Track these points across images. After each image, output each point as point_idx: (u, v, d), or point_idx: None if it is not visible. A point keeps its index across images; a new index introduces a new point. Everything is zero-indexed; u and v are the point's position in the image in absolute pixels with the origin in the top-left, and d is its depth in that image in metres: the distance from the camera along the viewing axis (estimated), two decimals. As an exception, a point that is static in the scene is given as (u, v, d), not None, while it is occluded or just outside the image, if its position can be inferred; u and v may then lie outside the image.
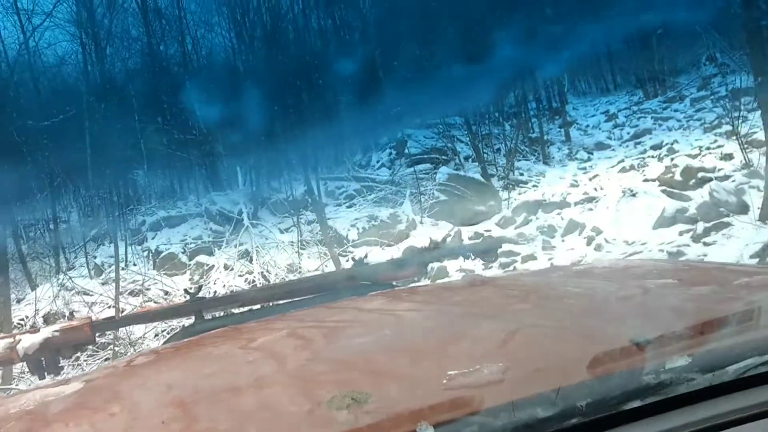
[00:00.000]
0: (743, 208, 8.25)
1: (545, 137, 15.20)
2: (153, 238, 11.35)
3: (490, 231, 10.52)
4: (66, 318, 8.55)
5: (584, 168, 13.72)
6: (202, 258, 10.48)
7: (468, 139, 14.57)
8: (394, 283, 2.34)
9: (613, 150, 14.75)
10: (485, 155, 13.72)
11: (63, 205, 13.81)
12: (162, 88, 14.56)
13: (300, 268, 10.11)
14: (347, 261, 10.24)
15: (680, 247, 7.72)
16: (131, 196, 13.72)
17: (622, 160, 13.39)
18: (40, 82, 14.05)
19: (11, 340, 1.85)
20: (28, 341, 1.84)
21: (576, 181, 12.58)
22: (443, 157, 13.61)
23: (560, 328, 1.23)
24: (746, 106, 14.53)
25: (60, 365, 1.94)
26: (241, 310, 2.30)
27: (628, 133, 15.66)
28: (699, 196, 9.10)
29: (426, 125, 14.83)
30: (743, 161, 10.09)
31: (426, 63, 15.67)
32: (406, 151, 14.02)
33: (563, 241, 9.57)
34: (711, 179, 9.44)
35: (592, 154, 14.71)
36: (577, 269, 2.18)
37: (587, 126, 17.46)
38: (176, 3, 15.67)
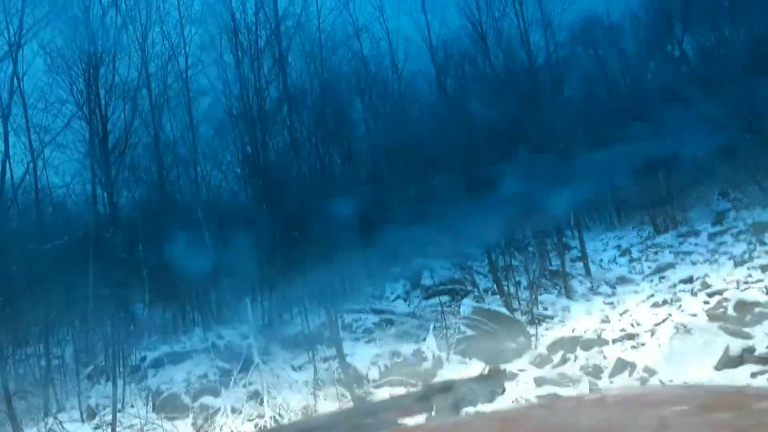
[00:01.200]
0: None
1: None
2: (154, 376, 10.12)
3: (525, 370, 9.40)
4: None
5: (611, 303, 12.73)
6: (206, 399, 9.22)
7: (486, 270, 13.70)
8: (399, 421, 2.18)
9: (637, 284, 13.83)
10: (505, 288, 12.79)
11: (57, 339, 12.59)
12: (170, 220, 13.81)
13: (316, 410, 8.87)
14: (369, 401, 9.03)
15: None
16: (132, 329, 12.58)
17: (652, 295, 12.43)
18: (43, 205, 13.25)
19: None
20: None
21: (606, 317, 11.56)
22: (461, 287, 12.65)
23: None
24: (773, 239, 13.87)
25: None
26: None
27: (649, 267, 14.81)
28: (762, 332, 8.10)
29: (441, 255, 13.97)
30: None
31: (433, 196, 15.07)
32: (422, 282, 13.07)
33: (611, 382, 8.44)
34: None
35: (615, 288, 13.77)
36: (589, 399, 2.08)
37: (601, 260, 16.63)
38: (190, 140, 15.24)
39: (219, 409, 8.97)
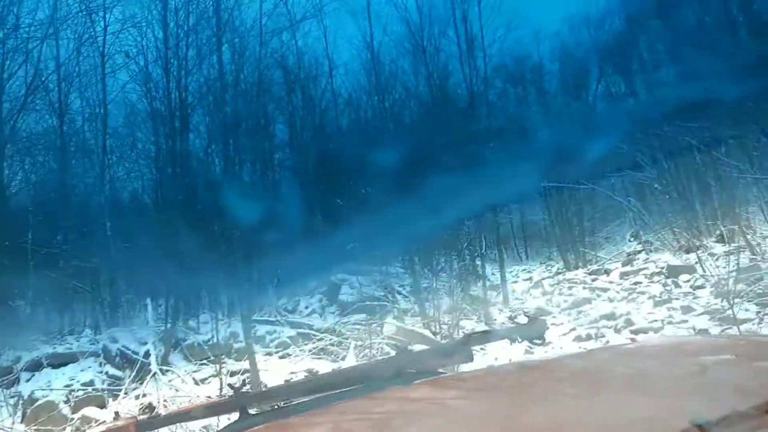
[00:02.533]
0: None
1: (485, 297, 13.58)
2: (28, 381, 8.44)
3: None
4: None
5: (531, 333, 12.04)
6: (90, 411, 7.64)
7: (407, 290, 12.78)
8: (440, 369, 2.10)
9: (554, 317, 13.24)
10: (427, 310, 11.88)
11: None
12: (66, 208, 12.10)
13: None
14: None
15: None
16: (9, 326, 10.73)
17: (574, 329, 11.83)
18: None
19: None
20: None
21: (530, 348, 10.83)
22: (381, 305, 11.61)
23: (615, 411, 1.12)
24: (686, 283, 13.64)
25: None
26: (285, 404, 1.96)
27: (565, 301, 14.29)
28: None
29: (361, 272, 12.92)
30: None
31: (354, 208, 14.05)
32: (340, 298, 11.97)
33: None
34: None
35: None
36: (627, 349, 2.01)
37: (513, 291, 16.07)
38: (99, 122, 13.58)
39: (104, 422, 7.45)
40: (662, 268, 14.97)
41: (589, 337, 10.98)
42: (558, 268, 19.04)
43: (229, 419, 2.25)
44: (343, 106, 18.04)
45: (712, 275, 13.03)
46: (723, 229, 15.43)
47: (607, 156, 17.09)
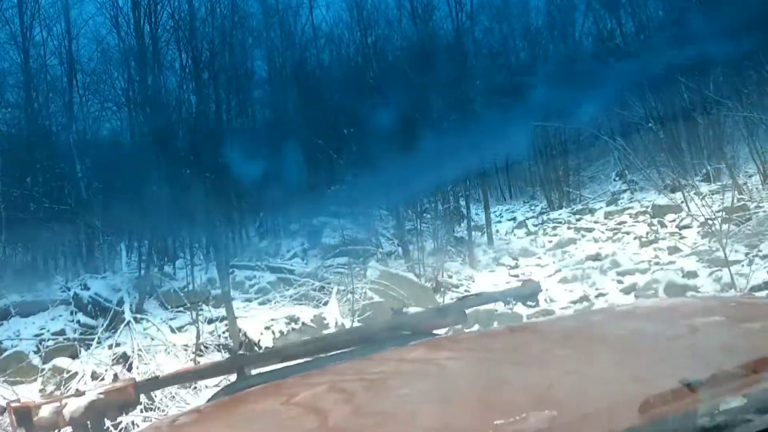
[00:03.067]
0: None
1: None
2: (-5, 330, 8.01)
3: (435, 344, 8.11)
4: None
5: (516, 275, 11.72)
6: (61, 361, 7.23)
7: (391, 233, 12.38)
8: (434, 331, 2.09)
9: (539, 258, 12.95)
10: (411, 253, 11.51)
11: None
12: (35, 148, 11.41)
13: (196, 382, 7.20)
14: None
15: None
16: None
17: (559, 270, 11.53)
18: None
19: (57, 404, 1.70)
20: (74, 405, 1.69)
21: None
22: (364, 249, 11.21)
23: (606, 371, 1.14)
24: (672, 222, 13.34)
25: (105, 428, 1.81)
26: (283, 365, 1.97)
27: (549, 242, 13.97)
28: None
29: (344, 214, 12.45)
30: (718, 280, 8.33)
31: (337, 151, 13.46)
32: (322, 241, 11.55)
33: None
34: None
35: (518, 260, 12.81)
36: (620, 310, 1.94)
37: (497, 231, 15.72)
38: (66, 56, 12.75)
39: (76, 373, 7.07)
40: (647, 207, 14.66)
41: (574, 279, 10.68)
42: (542, 208, 18.69)
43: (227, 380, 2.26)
44: (324, 42, 17.24)
45: (698, 215, 12.74)
46: (709, 167, 15.09)
47: (594, 94, 16.56)
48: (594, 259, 11.67)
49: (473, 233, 14.11)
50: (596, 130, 17.44)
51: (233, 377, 1.98)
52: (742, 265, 8.47)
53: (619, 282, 9.91)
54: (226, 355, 8.05)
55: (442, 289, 10.24)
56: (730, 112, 13.76)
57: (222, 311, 8.23)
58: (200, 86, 13.45)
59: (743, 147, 14.70)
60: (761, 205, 10.29)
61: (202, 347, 7.67)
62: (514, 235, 15.45)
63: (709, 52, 13.09)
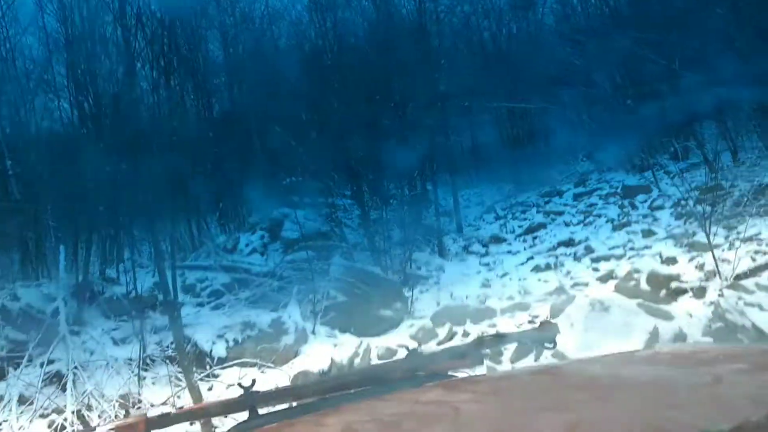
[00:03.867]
0: (760, 334, 5.70)
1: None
2: None
3: (404, 345, 7.36)
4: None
5: (487, 264, 11.03)
6: (-14, 383, 6.35)
7: (356, 223, 11.58)
8: (449, 372, 2.02)
9: (509, 244, 12.26)
10: (377, 243, 10.72)
11: None
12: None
13: (140, 399, 6.34)
14: (209, 390, 6.60)
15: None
16: None
17: (531, 257, 10.84)
18: None
19: None
20: None
21: (487, 281, 9.82)
22: (327, 244, 10.36)
23: (625, 418, 1.10)
24: (643, 204, 12.74)
25: None
26: (294, 404, 1.95)
27: (519, 227, 13.31)
28: (683, 312, 6.53)
29: (306, 205, 11.61)
30: (701, 267, 7.68)
31: (298, 139, 12.54)
32: (283, 234, 10.69)
33: (513, 366, 6.56)
34: (686, 290, 6.92)
35: (488, 247, 12.10)
36: (640, 356, 1.87)
37: (465, 217, 14.99)
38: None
39: (1, 398, 6.16)
40: (617, 188, 14.09)
41: (548, 267, 10.01)
42: (509, 191, 17.97)
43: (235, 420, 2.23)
44: (284, 26, 16.25)
45: (669, 195, 12.17)
46: (677, 145, 14.54)
47: (560, 72, 15.89)
48: (567, 245, 11.03)
49: (441, 219, 13.37)
50: (562, 109, 16.81)
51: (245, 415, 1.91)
52: (723, 249, 7.85)
53: (595, 270, 9.26)
54: (174, 369, 7.26)
55: (410, 282, 9.48)
56: (698, 88, 13.18)
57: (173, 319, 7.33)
58: (151, 73, 12.44)
59: (710, 124, 14.18)
60: (736, 183, 9.68)
61: (148, 361, 6.79)
62: (483, 220, 14.76)
63: (677, 26, 12.48)
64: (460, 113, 17.80)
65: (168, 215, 8.46)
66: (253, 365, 6.63)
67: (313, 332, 7.38)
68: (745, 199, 9.29)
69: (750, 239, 7.86)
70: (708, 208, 9.34)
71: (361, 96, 12.59)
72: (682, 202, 11.14)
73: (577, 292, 8.38)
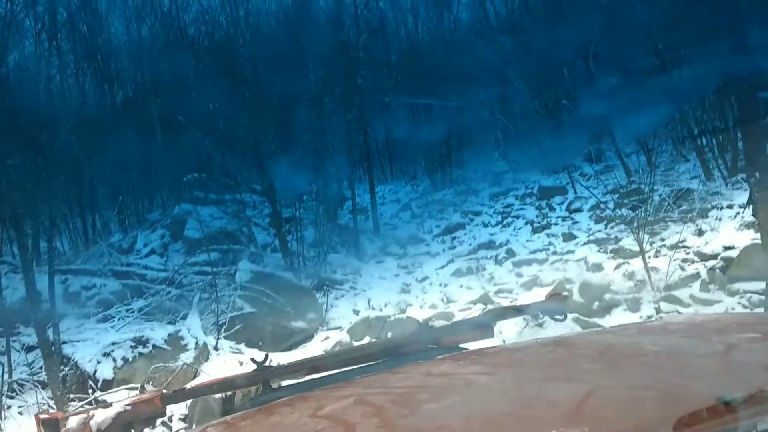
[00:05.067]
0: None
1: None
2: None
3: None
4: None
5: (406, 266, 10.38)
6: None
7: (266, 221, 10.66)
8: (461, 345, 1.99)
9: (428, 245, 11.67)
10: (289, 245, 9.85)
11: None
12: None
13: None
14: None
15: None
16: None
17: (452, 260, 10.27)
18: None
19: (85, 416, 1.70)
20: (101, 416, 1.68)
21: (406, 286, 9.16)
22: (233, 248, 9.38)
23: (639, 387, 1.08)
24: (561, 206, 12.46)
25: None
26: (307, 378, 1.88)
27: (437, 227, 12.75)
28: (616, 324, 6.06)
29: (212, 201, 10.58)
30: (630, 276, 7.28)
31: (207, 128, 11.43)
32: (186, 233, 9.64)
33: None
34: (620, 303, 6.47)
35: (406, 248, 11.45)
36: (651, 326, 1.97)
37: (381, 215, 14.31)
38: None
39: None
40: (533, 188, 13.80)
41: (469, 271, 9.46)
42: (424, 188, 17.45)
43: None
44: (192, 13, 15.01)
45: (587, 197, 11.94)
46: (590, 147, 14.40)
47: (476, 70, 15.48)
48: (487, 248, 10.52)
49: (358, 217, 12.63)
50: (477, 107, 16.43)
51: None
52: (649, 257, 7.49)
53: (519, 275, 8.76)
54: (46, 393, 6.14)
55: (325, 287, 8.68)
56: (613, 89, 13.04)
57: (50, 334, 6.20)
58: (46, 53, 11.00)
59: (624, 125, 14.11)
60: (655, 188, 9.45)
61: (16, 386, 5.66)
62: (400, 218, 14.09)
63: (589, 24, 12.23)
64: (376, 108, 17.05)
65: (46, 210, 7.24)
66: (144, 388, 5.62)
67: (216, 348, 6.43)
68: (666, 203, 9.04)
69: (676, 246, 7.55)
70: (629, 212, 9.07)
71: (274, 88, 11.63)
72: (601, 206, 10.90)
73: (502, 299, 7.85)
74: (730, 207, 7.82)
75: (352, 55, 14.81)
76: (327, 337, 7.11)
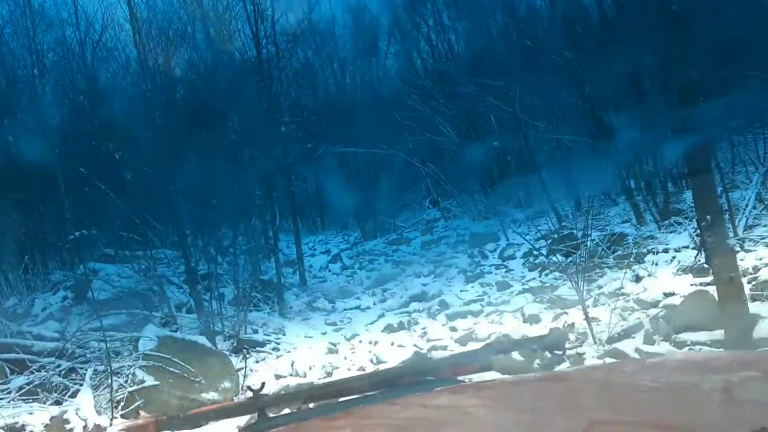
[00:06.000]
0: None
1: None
2: None
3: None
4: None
5: (334, 323, 9.65)
6: None
7: (181, 279, 9.78)
8: (459, 378, 2.00)
9: (358, 298, 11.00)
10: (206, 304, 8.98)
11: None
12: None
13: None
14: None
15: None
16: None
17: (383, 314, 9.62)
18: None
19: None
20: None
21: (334, 345, 8.39)
22: (145, 309, 8.47)
23: (638, 423, 1.06)
24: (493, 253, 12.05)
25: None
26: (303, 407, 1.96)
27: (368, 278, 12.14)
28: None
29: (121, 259, 9.64)
30: (570, 327, 6.80)
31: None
32: (92, 294, 8.65)
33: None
34: (563, 359, 5.93)
35: (334, 303, 10.75)
36: (651, 362, 1.91)
37: (311, 266, 13.60)
38: None
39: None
40: (464, 236, 13.41)
41: (401, 326, 8.80)
42: (356, 238, 16.90)
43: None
44: (102, 59, 14.22)
45: (519, 244, 11.58)
46: (520, 193, 14.18)
47: (404, 119, 15.19)
48: (419, 300, 9.92)
49: (284, 270, 11.84)
50: (407, 156, 16.08)
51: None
52: (588, 306, 7.05)
53: (453, 329, 8.15)
54: None
55: (244, 350, 7.85)
56: (540, 135, 12.91)
57: None
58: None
59: (552, 171, 13.95)
60: (588, 233, 9.12)
61: None
62: (329, 270, 13.41)
63: (520, 70, 12.11)
64: (303, 157, 16.48)
65: None
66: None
67: (110, 426, 5.51)
68: (600, 249, 8.71)
69: (615, 294, 7.15)
70: (563, 259, 8.68)
71: (191, 138, 10.90)
72: (534, 252, 10.53)
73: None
74: (665, 251, 7.51)
75: (274, 102, 14.28)
76: (251, 415, 6.27)
